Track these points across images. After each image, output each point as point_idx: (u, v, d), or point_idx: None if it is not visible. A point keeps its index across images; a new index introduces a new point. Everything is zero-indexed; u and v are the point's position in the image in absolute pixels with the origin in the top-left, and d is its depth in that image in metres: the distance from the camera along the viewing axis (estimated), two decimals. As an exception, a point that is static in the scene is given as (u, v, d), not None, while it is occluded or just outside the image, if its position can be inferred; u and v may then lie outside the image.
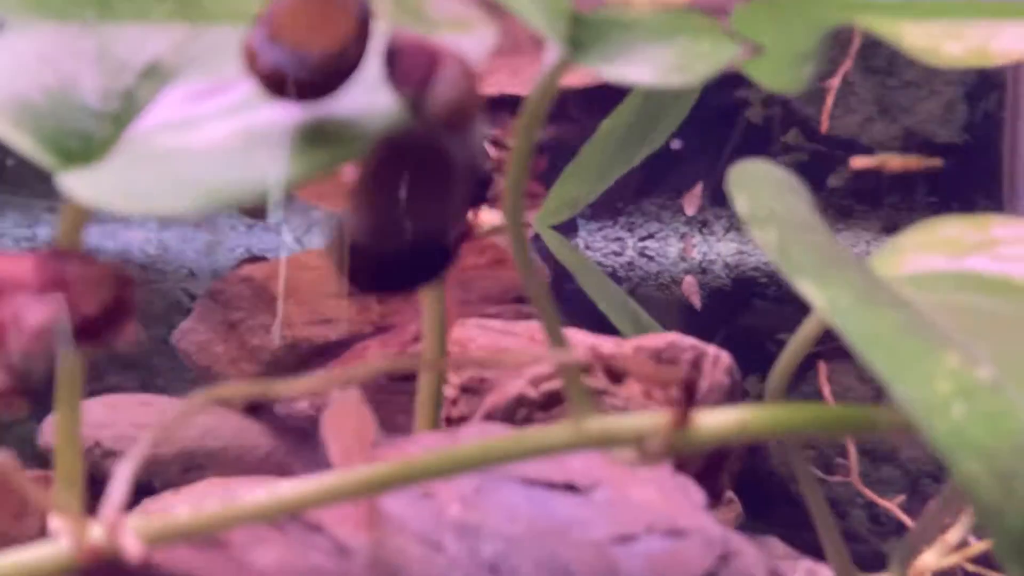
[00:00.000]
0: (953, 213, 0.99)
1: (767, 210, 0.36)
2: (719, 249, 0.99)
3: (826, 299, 0.31)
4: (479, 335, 0.67)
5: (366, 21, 0.27)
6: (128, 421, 0.87)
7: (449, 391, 0.62)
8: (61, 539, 0.31)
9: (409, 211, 0.26)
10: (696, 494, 0.43)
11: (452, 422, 0.62)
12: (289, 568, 0.33)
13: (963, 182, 0.93)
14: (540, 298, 0.33)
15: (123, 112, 0.30)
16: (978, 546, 0.61)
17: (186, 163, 0.28)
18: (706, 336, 0.64)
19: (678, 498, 0.41)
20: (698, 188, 0.97)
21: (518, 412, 0.52)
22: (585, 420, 0.32)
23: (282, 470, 0.88)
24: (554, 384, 0.52)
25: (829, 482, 0.92)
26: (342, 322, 0.88)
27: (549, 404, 0.52)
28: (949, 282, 0.41)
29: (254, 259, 1.03)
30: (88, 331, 0.28)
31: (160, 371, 1.06)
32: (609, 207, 1.00)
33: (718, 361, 0.56)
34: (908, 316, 0.33)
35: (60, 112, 0.30)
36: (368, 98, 0.28)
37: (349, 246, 0.27)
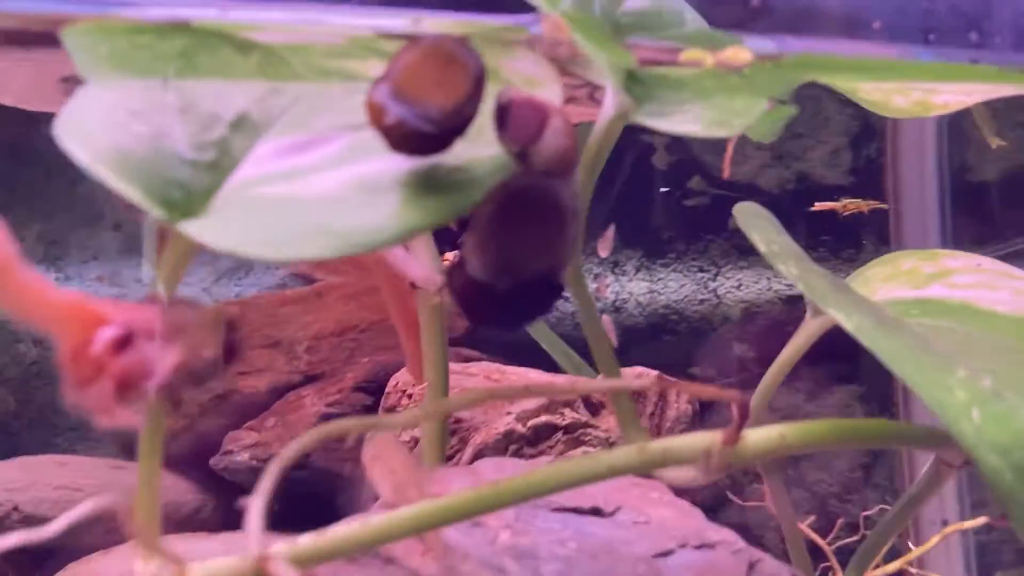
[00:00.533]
0: (845, 249, 1.08)
1: (778, 246, 0.41)
2: (631, 288, 1.05)
3: (854, 325, 0.36)
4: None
5: (481, 79, 0.30)
6: (47, 483, 0.84)
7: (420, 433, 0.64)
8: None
9: (527, 251, 0.29)
10: (696, 511, 0.47)
11: (427, 463, 0.64)
12: (373, 599, 0.35)
13: (852, 221, 1.02)
14: (599, 343, 0.36)
15: (219, 161, 0.32)
16: (915, 552, 0.68)
17: (307, 211, 0.30)
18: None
19: (690, 515, 0.45)
20: (611, 231, 1.03)
21: (508, 448, 0.55)
22: (648, 444, 0.35)
23: (209, 526, 0.86)
24: (541, 419, 0.55)
25: (744, 507, 0.99)
26: (271, 372, 0.88)
27: (537, 439, 0.55)
28: (916, 308, 0.47)
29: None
30: (204, 374, 0.30)
31: (61, 430, 1.02)
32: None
33: (681, 392, 0.61)
34: (914, 336, 0.39)
35: (157, 162, 0.31)
36: (473, 148, 0.31)
37: (471, 284, 0.30)
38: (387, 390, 0.68)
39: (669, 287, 1.05)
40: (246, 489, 0.85)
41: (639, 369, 0.61)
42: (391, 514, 0.33)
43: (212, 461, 0.82)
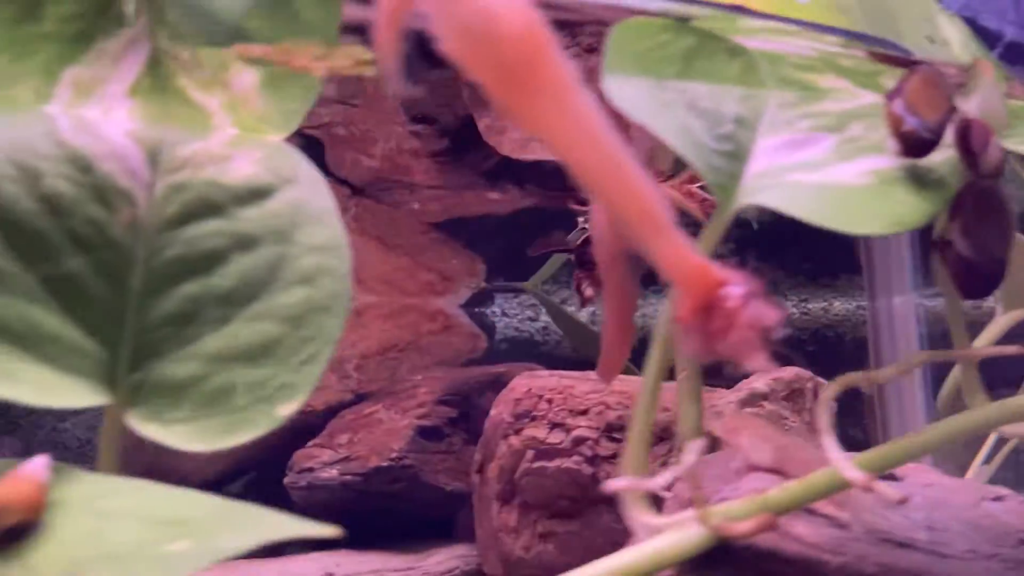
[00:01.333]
0: (821, 276, 1.21)
1: None
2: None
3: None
4: (543, 381, 0.75)
5: (952, 100, 0.39)
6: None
7: (582, 432, 0.70)
8: (685, 527, 0.38)
9: (996, 234, 0.39)
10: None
11: (597, 461, 0.70)
12: (820, 536, 0.42)
13: (827, 254, 1.17)
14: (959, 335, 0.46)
15: (736, 152, 0.39)
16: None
17: (843, 196, 0.37)
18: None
19: (951, 478, 0.54)
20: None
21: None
22: (1006, 401, 0.45)
23: (269, 549, 0.86)
24: (745, 411, 0.64)
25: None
26: (326, 391, 0.89)
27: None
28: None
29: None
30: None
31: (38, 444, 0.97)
32: (523, 278, 1.11)
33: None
34: None
35: (697, 147, 0.38)
36: (934, 155, 0.40)
37: (962, 261, 0.38)
38: (517, 396, 0.73)
39: (654, 313, 1.15)
40: (328, 506, 0.86)
41: (796, 369, 0.70)
42: (818, 475, 0.41)
43: (288, 480, 0.82)
